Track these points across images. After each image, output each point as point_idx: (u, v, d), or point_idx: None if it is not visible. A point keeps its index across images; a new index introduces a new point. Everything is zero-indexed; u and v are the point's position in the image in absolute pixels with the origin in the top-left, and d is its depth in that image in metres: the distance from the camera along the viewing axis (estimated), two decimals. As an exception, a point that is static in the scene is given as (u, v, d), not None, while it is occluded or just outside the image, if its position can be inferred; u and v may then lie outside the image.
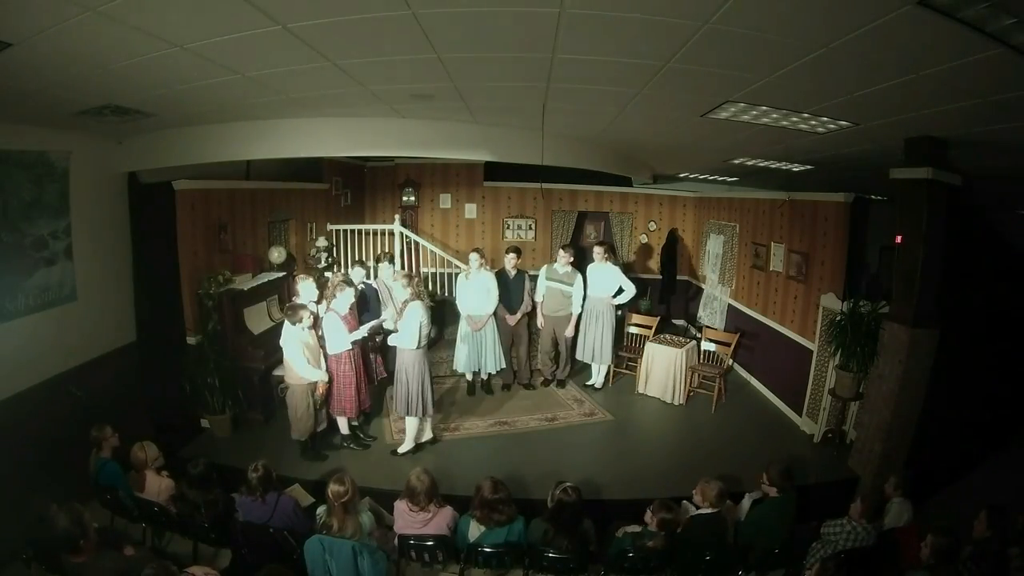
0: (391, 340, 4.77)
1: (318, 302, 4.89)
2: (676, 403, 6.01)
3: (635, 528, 3.29)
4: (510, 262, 5.98)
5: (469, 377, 6.16)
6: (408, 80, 3.24)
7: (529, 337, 6.35)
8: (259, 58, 2.67)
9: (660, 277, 9.11)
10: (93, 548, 2.49)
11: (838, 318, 4.81)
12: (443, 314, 7.55)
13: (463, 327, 5.88)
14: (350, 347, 4.65)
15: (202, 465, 3.54)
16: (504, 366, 6.00)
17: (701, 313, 8.26)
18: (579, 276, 6.02)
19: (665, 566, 3.11)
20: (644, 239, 9.32)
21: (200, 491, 3.45)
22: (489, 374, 6.12)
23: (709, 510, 3.24)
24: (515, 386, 6.30)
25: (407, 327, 4.53)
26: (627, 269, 9.17)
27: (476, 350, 5.85)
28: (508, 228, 9.30)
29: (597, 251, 6.21)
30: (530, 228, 9.30)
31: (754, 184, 7.82)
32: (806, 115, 3.27)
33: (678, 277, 9.19)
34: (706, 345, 6.39)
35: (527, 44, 2.49)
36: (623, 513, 3.63)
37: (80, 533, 2.41)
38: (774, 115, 3.32)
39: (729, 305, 7.42)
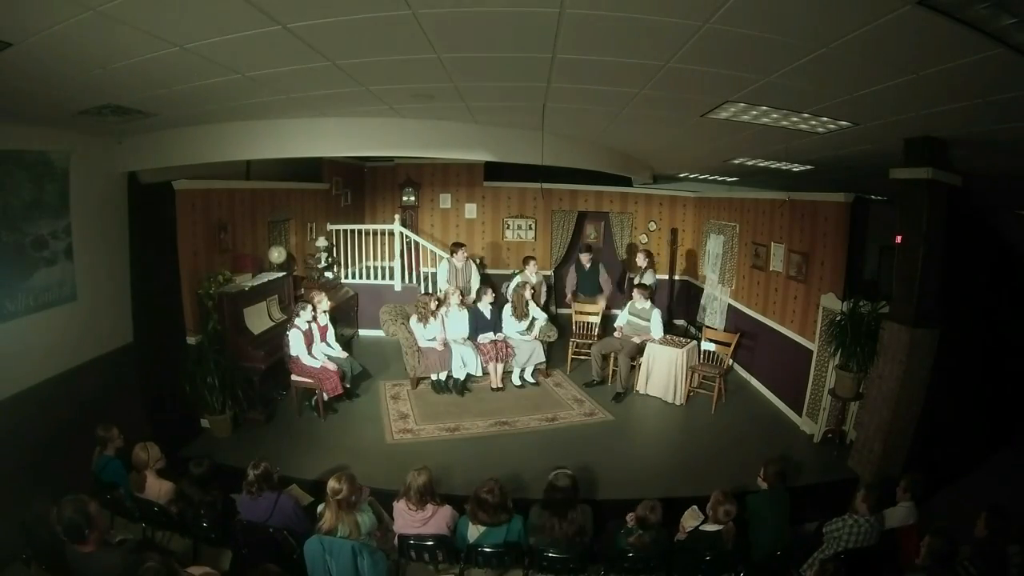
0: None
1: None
2: (676, 403, 6.01)
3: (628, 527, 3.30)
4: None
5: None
6: (408, 80, 3.24)
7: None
8: (259, 58, 2.67)
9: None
10: (100, 540, 2.49)
11: (838, 318, 4.81)
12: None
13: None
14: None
15: (205, 465, 3.54)
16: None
17: (701, 313, 8.27)
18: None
19: (663, 566, 3.11)
20: (644, 239, 9.32)
21: (200, 491, 3.45)
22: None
23: (714, 527, 3.23)
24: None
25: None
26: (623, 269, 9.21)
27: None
28: (508, 228, 9.30)
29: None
30: (530, 228, 9.30)
31: (754, 184, 7.83)
32: (806, 115, 3.27)
33: (678, 277, 9.20)
34: (706, 345, 6.39)
35: (527, 44, 2.49)
36: (622, 513, 3.62)
37: (86, 523, 2.42)
38: (774, 115, 3.32)
39: (729, 305, 7.42)
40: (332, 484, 3.01)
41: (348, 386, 5.78)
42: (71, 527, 2.41)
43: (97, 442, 3.64)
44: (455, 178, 9.23)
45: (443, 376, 6.15)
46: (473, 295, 6.95)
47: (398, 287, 7.85)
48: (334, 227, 8.00)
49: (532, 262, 7.32)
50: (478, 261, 8.30)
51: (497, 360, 6.19)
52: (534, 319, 6.58)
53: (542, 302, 7.24)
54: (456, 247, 7.26)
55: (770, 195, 6.57)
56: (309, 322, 5.54)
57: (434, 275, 7.82)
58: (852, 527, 3.21)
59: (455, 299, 6.42)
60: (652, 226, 9.30)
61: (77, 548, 2.44)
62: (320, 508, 3.19)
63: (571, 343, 6.97)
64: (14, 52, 2.28)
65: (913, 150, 3.80)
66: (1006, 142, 3.39)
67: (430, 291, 7.30)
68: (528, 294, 6.57)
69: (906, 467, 4.24)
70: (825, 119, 3.33)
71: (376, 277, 8.14)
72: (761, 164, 5.49)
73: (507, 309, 6.56)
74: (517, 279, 7.25)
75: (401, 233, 7.84)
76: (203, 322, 5.12)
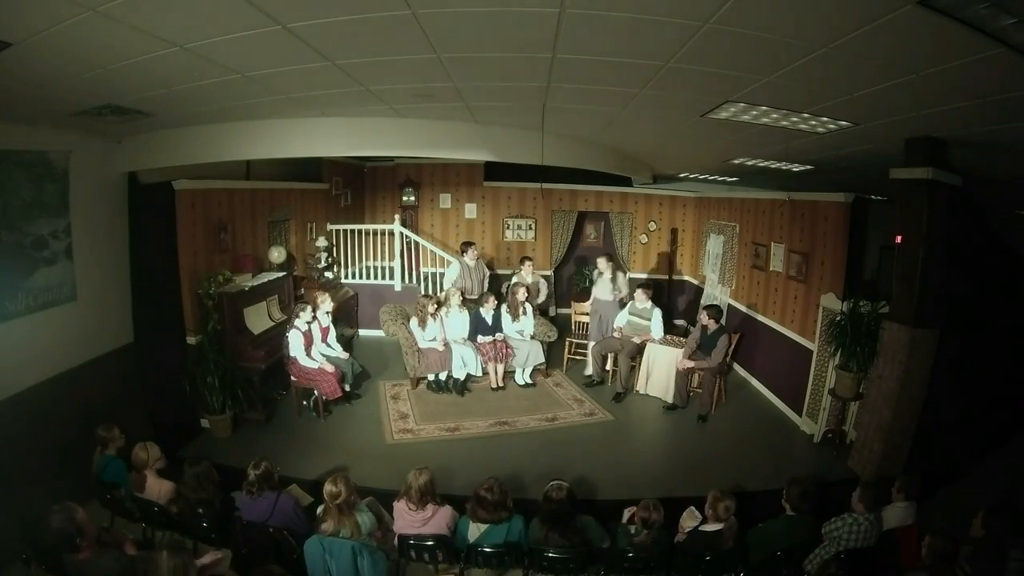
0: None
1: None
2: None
3: (630, 528, 3.30)
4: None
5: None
6: (408, 80, 3.24)
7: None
8: (259, 58, 2.67)
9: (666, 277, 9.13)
10: (93, 546, 2.48)
11: (838, 318, 4.81)
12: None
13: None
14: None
15: (202, 466, 3.53)
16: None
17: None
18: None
19: (663, 567, 3.11)
20: (644, 239, 9.32)
21: (197, 491, 3.44)
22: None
23: (714, 526, 3.22)
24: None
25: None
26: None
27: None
28: (508, 228, 9.30)
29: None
30: (530, 228, 9.30)
31: (754, 184, 7.83)
32: (806, 115, 3.27)
33: (677, 277, 9.21)
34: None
35: (527, 44, 2.49)
36: (622, 513, 3.62)
37: (76, 532, 2.41)
38: (774, 115, 3.32)
39: (729, 305, 7.42)
40: (330, 488, 3.00)
41: (348, 388, 5.77)
42: (62, 538, 2.39)
43: (98, 442, 3.64)
44: (455, 178, 9.23)
45: (443, 376, 6.15)
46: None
47: (398, 287, 7.86)
48: (334, 227, 8.01)
49: (528, 263, 7.27)
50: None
51: (497, 360, 6.20)
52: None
53: (537, 302, 7.21)
54: (466, 246, 7.27)
55: (770, 195, 6.57)
56: (309, 323, 5.53)
57: (435, 275, 7.87)
58: (851, 525, 3.21)
59: (455, 299, 6.42)
60: (652, 226, 9.30)
61: (71, 557, 2.43)
62: (320, 510, 3.19)
63: (567, 343, 6.97)
64: (14, 52, 2.28)
65: (913, 150, 3.80)
66: (1006, 142, 3.39)
67: (429, 292, 7.31)
68: (521, 295, 6.56)
69: (906, 467, 4.24)
70: (825, 119, 3.33)
71: (376, 277, 8.14)
72: (761, 164, 5.49)
73: (504, 309, 6.60)
74: (514, 279, 7.28)
75: (401, 233, 7.84)
76: (203, 322, 5.12)
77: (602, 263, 7.00)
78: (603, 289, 6.91)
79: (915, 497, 3.49)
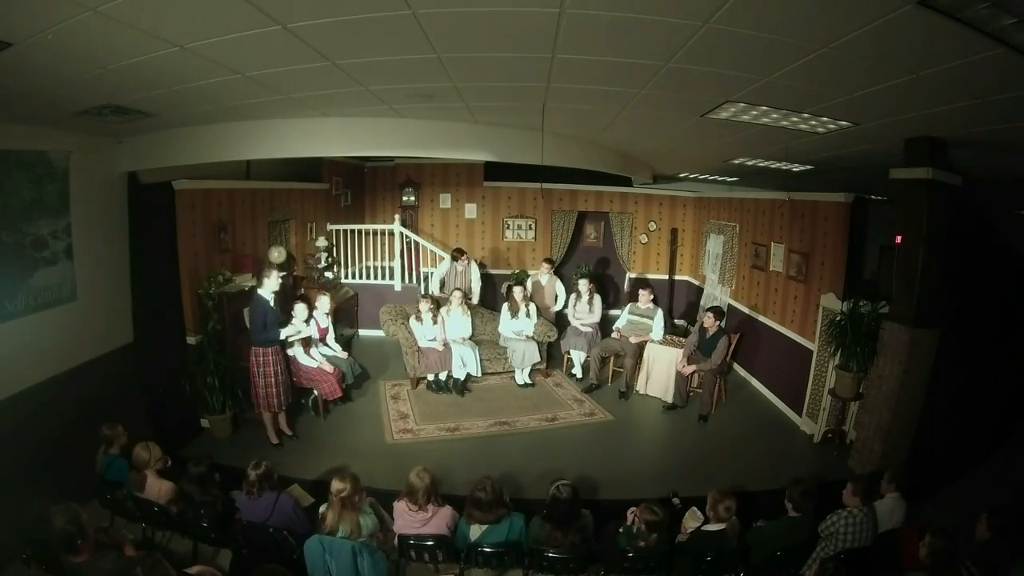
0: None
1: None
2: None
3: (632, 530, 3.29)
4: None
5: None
6: (408, 80, 3.24)
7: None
8: (259, 58, 2.67)
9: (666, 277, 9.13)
10: (92, 548, 2.48)
11: (838, 318, 4.81)
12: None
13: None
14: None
15: (204, 465, 3.54)
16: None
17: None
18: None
19: (663, 566, 3.11)
20: (644, 239, 9.32)
21: (200, 490, 3.44)
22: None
23: (716, 526, 3.22)
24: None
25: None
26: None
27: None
28: (508, 228, 9.30)
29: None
30: (530, 228, 9.29)
31: (754, 184, 7.84)
32: (806, 115, 3.27)
33: (678, 277, 9.21)
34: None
35: (527, 44, 2.49)
36: (623, 513, 3.62)
37: (77, 533, 2.40)
38: (774, 115, 3.32)
39: (729, 305, 7.42)
40: (335, 483, 3.01)
41: (349, 383, 5.76)
42: (63, 538, 2.39)
43: (102, 440, 3.64)
44: (455, 178, 9.23)
45: (443, 376, 6.15)
46: (476, 298, 7.18)
47: (398, 287, 7.86)
48: (334, 227, 8.01)
49: (546, 264, 7.38)
50: (478, 261, 8.31)
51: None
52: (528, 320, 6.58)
53: (554, 309, 7.22)
54: (458, 253, 7.23)
55: (770, 195, 6.57)
56: (307, 322, 5.52)
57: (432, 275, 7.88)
58: (847, 519, 3.20)
59: (456, 299, 6.42)
60: (652, 226, 9.30)
61: (70, 559, 2.43)
62: (322, 508, 3.19)
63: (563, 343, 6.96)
64: (14, 52, 2.28)
65: (913, 150, 3.80)
66: (1006, 142, 3.39)
67: (429, 292, 7.32)
68: (518, 295, 6.56)
69: (903, 465, 4.23)
70: (825, 119, 3.33)
71: (376, 277, 8.14)
72: (761, 164, 5.49)
73: (504, 307, 6.61)
74: (529, 281, 7.40)
75: (401, 233, 7.84)
76: (203, 322, 5.11)
77: (583, 284, 6.85)
78: (580, 311, 6.78)
79: (905, 491, 3.47)
